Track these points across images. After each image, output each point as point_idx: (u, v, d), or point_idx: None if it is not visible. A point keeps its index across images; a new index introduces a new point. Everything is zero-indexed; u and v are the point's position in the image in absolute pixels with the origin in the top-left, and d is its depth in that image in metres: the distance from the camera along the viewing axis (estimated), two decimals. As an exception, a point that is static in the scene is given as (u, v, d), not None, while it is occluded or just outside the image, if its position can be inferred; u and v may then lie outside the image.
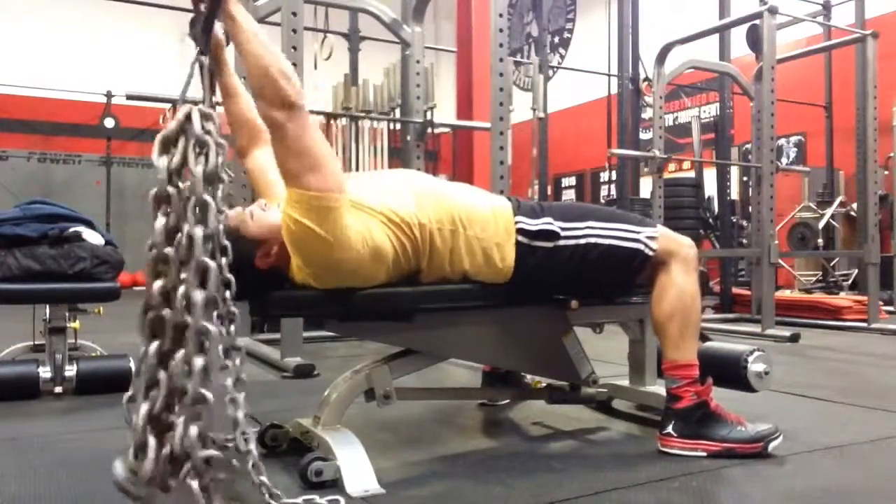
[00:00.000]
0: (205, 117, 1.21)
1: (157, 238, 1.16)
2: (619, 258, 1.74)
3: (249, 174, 1.86)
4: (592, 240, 1.72)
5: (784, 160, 8.56)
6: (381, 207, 1.56)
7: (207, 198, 1.17)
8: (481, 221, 1.66)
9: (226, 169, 1.22)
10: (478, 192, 1.79)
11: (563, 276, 1.75)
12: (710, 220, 6.95)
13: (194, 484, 1.10)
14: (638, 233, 1.75)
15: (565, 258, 1.71)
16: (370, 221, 1.54)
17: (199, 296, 1.13)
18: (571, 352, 1.89)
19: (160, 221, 1.16)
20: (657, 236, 1.76)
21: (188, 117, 1.20)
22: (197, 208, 1.16)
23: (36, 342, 2.80)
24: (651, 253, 1.75)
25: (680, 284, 1.74)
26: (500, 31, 3.13)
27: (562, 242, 1.70)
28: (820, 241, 6.98)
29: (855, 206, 6.44)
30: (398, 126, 5.88)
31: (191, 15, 1.42)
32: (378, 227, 1.55)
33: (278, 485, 1.45)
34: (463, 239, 1.64)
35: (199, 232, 1.15)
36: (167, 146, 1.20)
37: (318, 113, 4.61)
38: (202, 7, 1.37)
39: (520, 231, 1.69)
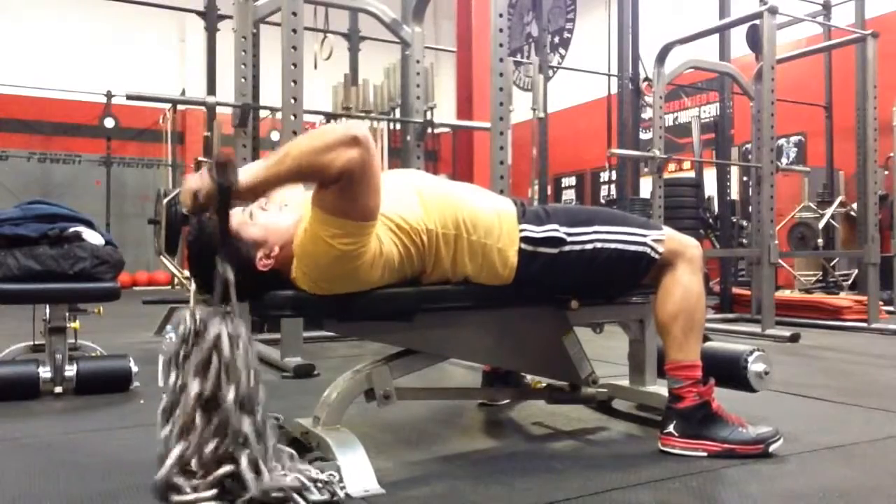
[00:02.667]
0: (232, 340, 1.32)
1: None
2: (624, 262, 1.74)
3: None
4: (599, 244, 1.72)
5: (784, 160, 8.56)
6: (390, 213, 1.55)
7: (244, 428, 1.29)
8: (486, 226, 1.65)
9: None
10: (483, 194, 1.78)
11: (566, 280, 1.75)
12: (710, 220, 6.95)
13: None
14: (644, 236, 1.75)
15: (570, 263, 1.71)
16: (381, 230, 1.53)
17: None
18: (571, 352, 1.89)
19: None
20: (664, 239, 1.76)
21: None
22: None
23: (36, 342, 2.80)
24: (657, 256, 1.74)
25: (685, 285, 1.73)
26: (500, 31, 3.13)
27: (567, 248, 1.70)
28: (820, 241, 6.98)
29: (855, 206, 6.45)
30: (398, 126, 5.89)
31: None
32: (387, 235, 1.54)
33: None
34: (466, 243, 1.63)
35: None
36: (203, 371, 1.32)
37: (318, 113, 4.62)
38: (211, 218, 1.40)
39: (524, 239, 1.68)
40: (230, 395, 1.30)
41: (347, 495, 1.39)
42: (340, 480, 1.40)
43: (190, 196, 1.38)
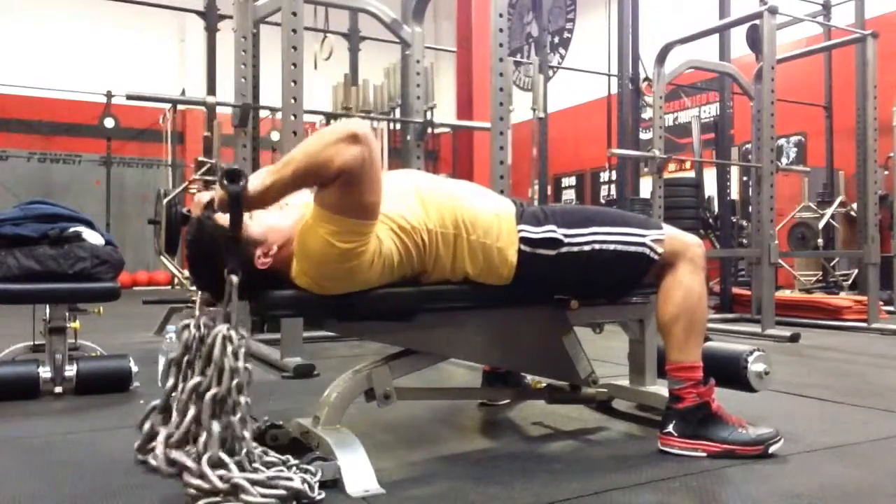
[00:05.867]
0: (228, 340, 1.33)
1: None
2: (623, 262, 1.74)
3: None
4: (597, 246, 1.71)
5: (784, 160, 8.56)
6: (390, 213, 1.55)
7: (214, 426, 1.29)
8: (485, 226, 1.65)
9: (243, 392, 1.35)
10: (482, 193, 1.78)
11: (565, 281, 1.75)
12: (710, 220, 6.94)
13: None
14: (643, 236, 1.75)
15: (568, 264, 1.70)
16: (380, 230, 1.53)
17: None
18: (571, 352, 1.89)
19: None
20: (663, 238, 1.76)
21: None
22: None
23: (36, 342, 2.80)
24: (656, 257, 1.74)
25: (686, 285, 1.73)
26: (500, 31, 3.13)
27: (564, 249, 1.69)
28: (820, 241, 6.98)
29: (855, 206, 6.45)
30: (398, 126, 5.89)
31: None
32: (387, 236, 1.54)
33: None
34: (466, 243, 1.63)
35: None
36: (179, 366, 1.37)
37: (318, 113, 4.62)
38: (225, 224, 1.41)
39: (522, 240, 1.68)
40: (210, 392, 1.31)
41: (348, 495, 1.40)
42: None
43: (201, 207, 1.44)
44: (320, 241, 1.46)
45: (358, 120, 1.43)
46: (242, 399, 1.33)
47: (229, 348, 1.33)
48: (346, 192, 1.42)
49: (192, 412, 1.31)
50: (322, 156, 1.38)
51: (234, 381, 1.32)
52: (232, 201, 1.38)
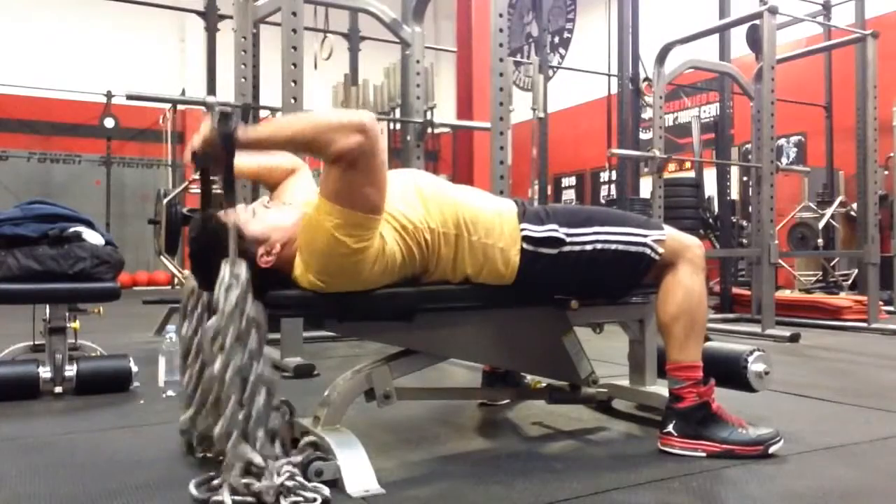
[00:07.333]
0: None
1: None
2: (624, 262, 1.74)
3: (270, 187, 1.91)
4: (599, 245, 1.72)
5: (784, 160, 8.56)
6: (394, 212, 1.56)
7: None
8: (486, 226, 1.65)
9: None
10: (484, 195, 1.78)
11: (566, 280, 1.75)
12: (710, 220, 6.94)
13: None
14: (645, 236, 1.75)
15: (570, 264, 1.71)
16: (384, 229, 1.53)
17: None
18: (571, 352, 1.89)
19: None
20: (664, 239, 1.76)
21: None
22: None
23: (36, 342, 2.80)
24: (657, 257, 1.74)
25: (687, 285, 1.73)
26: (500, 31, 3.13)
27: (566, 248, 1.70)
28: (820, 241, 6.98)
29: (855, 206, 6.45)
30: (398, 126, 5.89)
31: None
32: (390, 234, 1.54)
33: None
34: (467, 244, 1.63)
35: None
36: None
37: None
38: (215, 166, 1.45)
39: (525, 238, 1.68)
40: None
41: (348, 495, 1.40)
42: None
43: (198, 143, 1.44)
44: (325, 234, 1.46)
45: (369, 112, 1.44)
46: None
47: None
48: (346, 179, 1.43)
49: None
50: (326, 135, 1.40)
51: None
52: (223, 141, 1.40)
